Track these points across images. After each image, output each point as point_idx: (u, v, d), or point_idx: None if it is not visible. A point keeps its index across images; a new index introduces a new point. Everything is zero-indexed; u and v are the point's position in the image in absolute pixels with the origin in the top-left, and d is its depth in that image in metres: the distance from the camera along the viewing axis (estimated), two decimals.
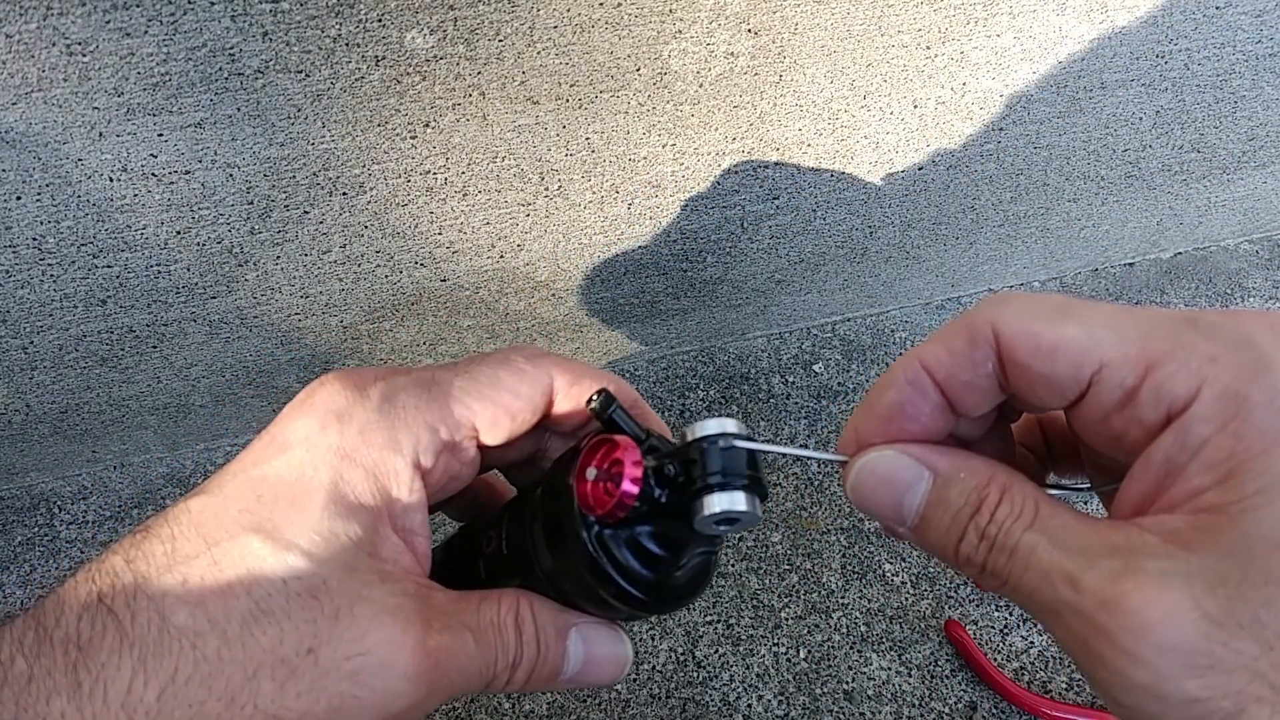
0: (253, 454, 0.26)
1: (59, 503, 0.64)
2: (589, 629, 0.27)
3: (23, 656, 0.22)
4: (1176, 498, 0.19)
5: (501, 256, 0.56)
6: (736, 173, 0.56)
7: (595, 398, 0.26)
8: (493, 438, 0.27)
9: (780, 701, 0.52)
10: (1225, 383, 0.18)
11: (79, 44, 0.38)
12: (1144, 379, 0.19)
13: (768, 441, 0.25)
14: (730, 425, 0.25)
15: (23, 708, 0.21)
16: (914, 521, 0.23)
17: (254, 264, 0.52)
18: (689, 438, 0.25)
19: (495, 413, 0.27)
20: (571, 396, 0.28)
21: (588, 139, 0.50)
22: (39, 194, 0.44)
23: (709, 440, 0.25)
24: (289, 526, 0.24)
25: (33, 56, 0.38)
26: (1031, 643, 0.54)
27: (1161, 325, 0.19)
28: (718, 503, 0.24)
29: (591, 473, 0.25)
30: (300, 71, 0.42)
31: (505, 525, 0.29)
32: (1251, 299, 0.76)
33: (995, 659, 0.53)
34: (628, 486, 0.25)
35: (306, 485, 0.24)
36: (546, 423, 0.29)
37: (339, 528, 0.24)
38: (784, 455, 0.26)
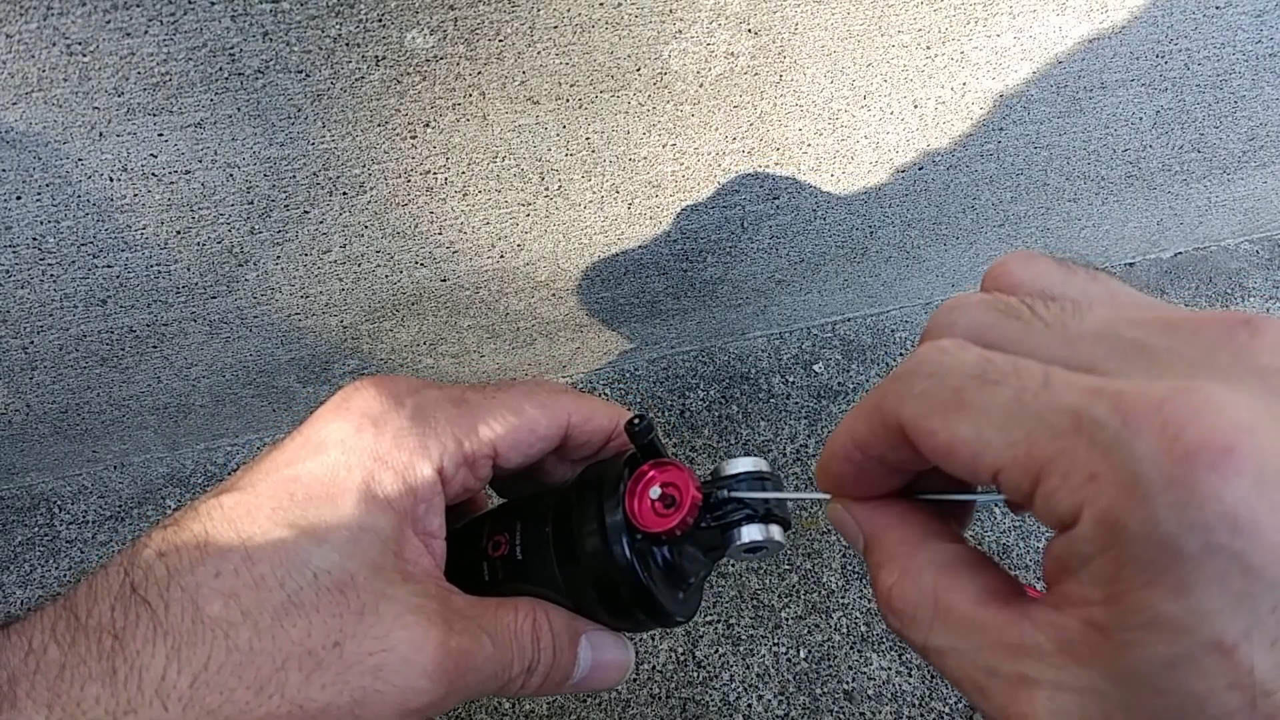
0: (286, 454, 0.26)
1: (59, 503, 0.64)
2: (597, 636, 0.29)
3: (55, 644, 0.22)
4: (1072, 595, 0.18)
5: (501, 256, 0.56)
6: (736, 173, 0.56)
7: (637, 422, 0.28)
8: (508, 461, 0.29)
9: (780, 701, 0.52)
10: (1103, 508, 0.16)
11: (79, 44, 0.38)
12: (1034, 488, 0.18)
13: (792, 490, 0.28)
14: (763, 465, 0.29)
15: (57, 693, 0.21)
16: None
17: (254, 264, 0.52)
18: (726, 472, 0.29)
19: (515, 439, 0.29)
20: (584, 431, 0.30)
21: (588, 139, 0.50)
22: (39, 194, 0.44)
23: (746, 476, 0.28)
24: (322, 524, 0.24)
25: (33, 56, 0.38)
26: None
27: (1049, 425, 0.17)
28: (753, 533, 0.28)
29: (655, 491, 0.28)
30: (300, 71, 0.42)
31: (519, 532, 0.30)
32: (1251, 299, 0.76)
33: None
34: (691, 510, 0.27)
35: (340, 485, 0.25)
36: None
37: (367, 524, 0.25)
38: (791, 500, 0.29)
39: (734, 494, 0.28)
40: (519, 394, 0.29)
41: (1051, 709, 0.17)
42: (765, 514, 0.28)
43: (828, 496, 0.25)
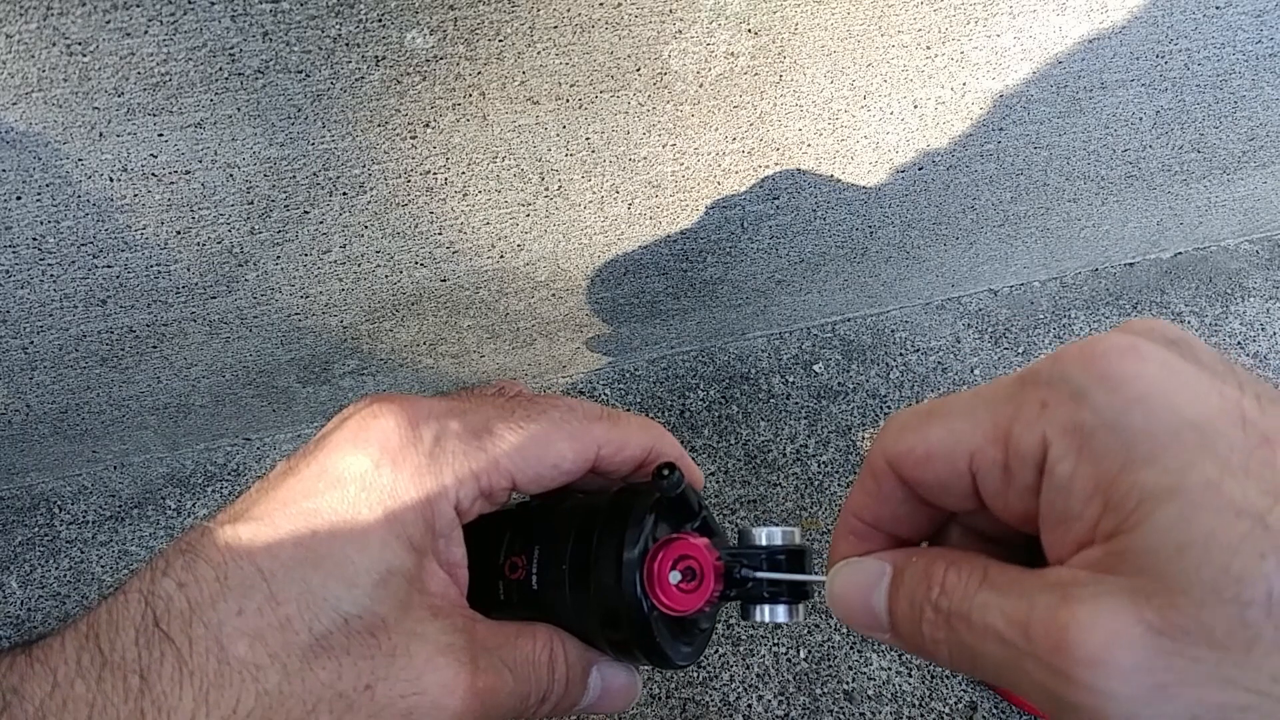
0: (303, 483, 0.26)
1: (59, 503, 0.64)
2: (607, 667, 0.30)
3: (82, 679, 0.22)
4: (1082, 535, 0.19)
5: (501, 256, 0.56)
6: (736, 173, 0.56)
7: (666, 474, 0.27)
8: (528, 490, 0.29)
9: (780, 701, 0.52)
10: (1061, 421, 0.19)
11: (79, 44, 0.38)
12: (1006, 449, 0.20)
13: (809, 571, 0.28)
14: (796, 535, 0.28)
15: None
16: (885, 619, 0.24)
17: (254, 264, 0.52)
18: (755, 542, 0.28)
19: (538, 471, 0.28)
20: (614, 461, 0.30)
21: (588, 139, 0.50)
22: (39, 194, 0.44)
23: (775, 552, 0.28)
24: (349, 565, 0.24)
25: (33, 56, 0.38)
26: None
27: (1003, 394, 0.21)
28: (778, 614, 0.28)
29: (675, 576, 0.27)
30: (300, 71, 0.42)
31: (537, 559, 0.30)
32: (1251, 299, 0.76)
33: None
34: (711, 595, 0.27)
35: (362, 523, 0.25)
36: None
37: (394, 565, 0.25)
38: (814, 580, 0.29)
39: (759, 575, 0.28)
40: (548, 424, 0.28)
41: (1097, 608, 0.18)
42: (791, 592, 0.28)
43: (822, 579, 0.26)
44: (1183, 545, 0.17)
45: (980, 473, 0.21)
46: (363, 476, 0.26)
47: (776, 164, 0.56)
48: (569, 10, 0.43)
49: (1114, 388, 0.19)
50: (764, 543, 0.28)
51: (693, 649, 0.30)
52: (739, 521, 0.61)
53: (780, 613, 0.28)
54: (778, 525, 0.29)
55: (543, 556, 0.29)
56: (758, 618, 0.28)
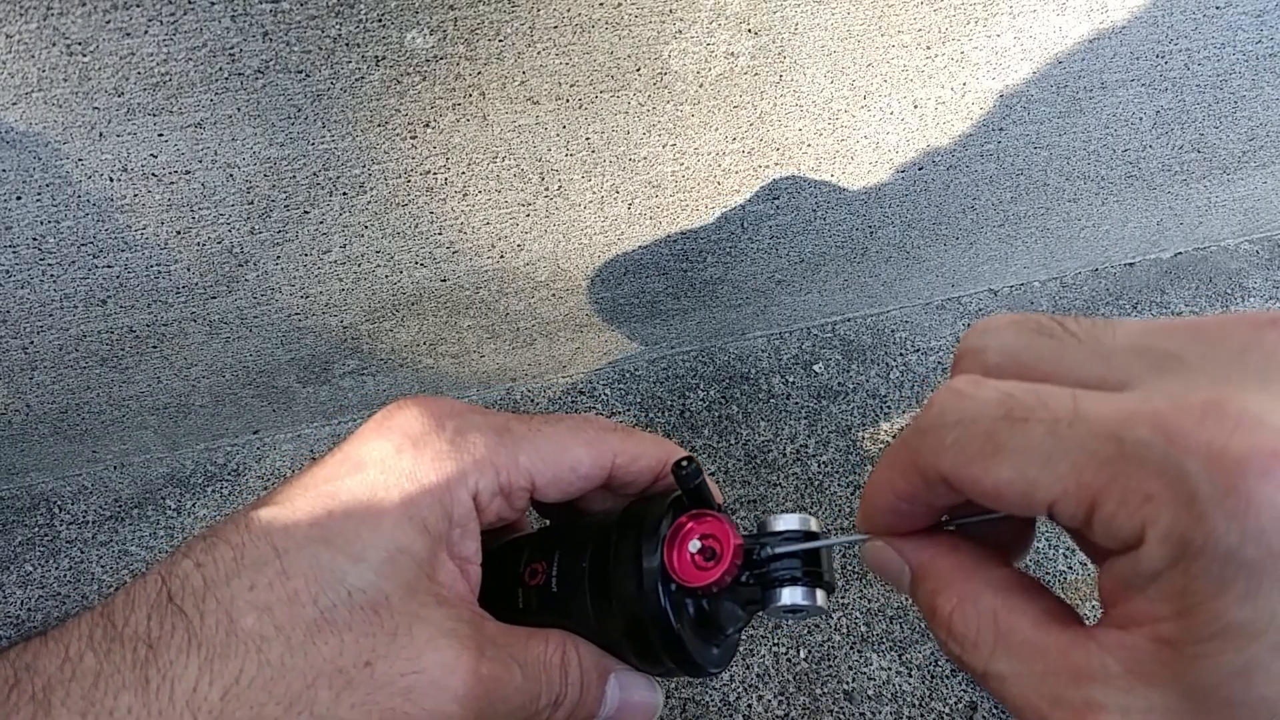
0: (325, 470, 0.27)
1: (59, 503, 0.64)
2: (626, 676, 0.29)
3: (92, 652, 0.22)
4: (1138, 614, 0.18)
5: (501, 256, 0.56)
6: (736, 173, 0.56)
7: (685, 466, 0.28)
8: (546, 495, 0.29)
9: (780, 701, 0.52)
10: (1167, 526, 0.17)
11: (79, 44, 0.38)
12: (1090, 514, 0.18)
13: (832, 535, 0.28)
14: (812, 523, 0.28)
15: (90, 702, 0.21)
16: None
17: (254, 264, 0.52)
18: (772, 528, 0.28)
19: (555, 474, 0.29)
20: (630, 471, 0.30)
21: (588, 139, 0.50)
22: (39, 194, 0.44)
23: (793, 535, 0.28)
24: (358, 542, 0.25)
25: (33, 56, 0.38)
26: None
27: (1093, 454, 0.18)
28: (795, 595, 0.27)
29: (695, 545, 0.27)
30: (300, 71, 0.42)
31: (557, 563, 0.30)
32: (1251, 299, 0.76)
33: None
34: (730, 567, 0.27)
35: (378, 504, 0.25)
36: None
37: (404, 545, 0.25)
38: (833, 545, 0.29)
39: (778, 550, 0.27)
40: (565, 430, 0.29)
41: None
42: (810, 576, 0.27)
43: (868, 538, 0.25)
44: (1237, 702, 0.16)
45: (1056, 518, 0.19)
46: (383, 460, 0.26)
47: (776, 164, 0.56)
48: (569, 10, 0.43)
49: (1238, 513, 0.16)
50: (782, 528, 0.28)
51: (720, 652, 0.30)
52: (739, 522, 0.61)
53: (799, 594, 0.27)
54: (794, 512, 0.29)
55: (563, 560, 0.29)
56: (777, 601, 0.28)
